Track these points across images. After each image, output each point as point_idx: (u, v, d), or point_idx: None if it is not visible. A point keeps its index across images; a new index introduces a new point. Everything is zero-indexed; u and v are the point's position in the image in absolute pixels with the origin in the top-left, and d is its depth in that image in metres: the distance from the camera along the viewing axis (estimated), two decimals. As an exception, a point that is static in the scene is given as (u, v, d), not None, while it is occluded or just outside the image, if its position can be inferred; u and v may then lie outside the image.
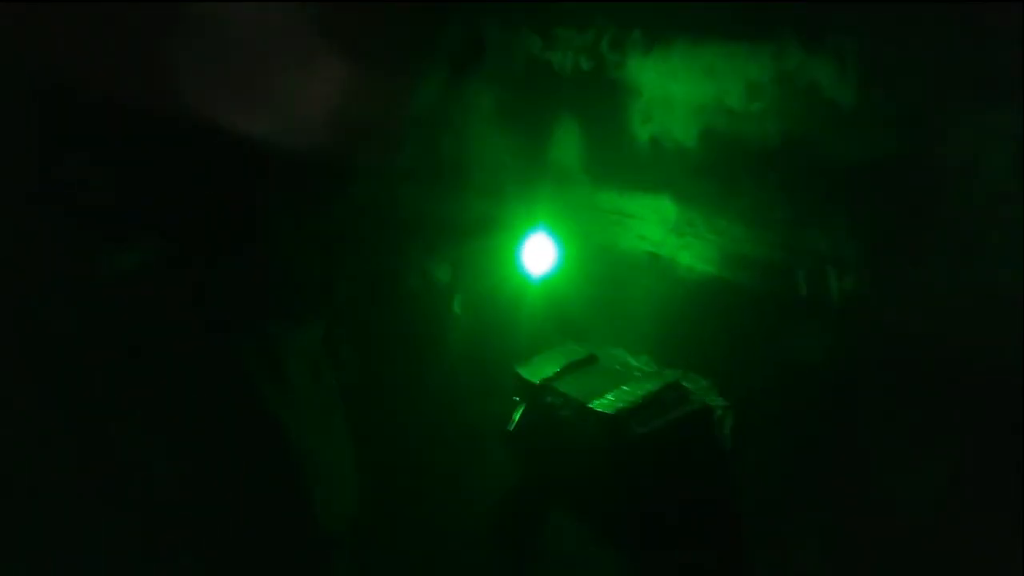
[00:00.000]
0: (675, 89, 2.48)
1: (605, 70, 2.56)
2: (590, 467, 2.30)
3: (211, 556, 2.35)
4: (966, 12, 2.14)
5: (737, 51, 2.37)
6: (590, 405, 2.24)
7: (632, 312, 2.58)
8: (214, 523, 2.37)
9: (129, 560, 2.30)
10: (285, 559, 2.39)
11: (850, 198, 2.32)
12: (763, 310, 2.43)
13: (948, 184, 2.23)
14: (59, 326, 2.39)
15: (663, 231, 2.58)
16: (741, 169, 2.43)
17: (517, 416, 2.38)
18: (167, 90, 2.46)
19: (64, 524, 2.31)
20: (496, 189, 2.47)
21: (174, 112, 2.44)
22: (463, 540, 2.52)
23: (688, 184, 2.53)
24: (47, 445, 2.35)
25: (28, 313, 2.38)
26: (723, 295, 2.48)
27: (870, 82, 2.24)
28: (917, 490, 2.25)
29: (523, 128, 2.65)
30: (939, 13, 2.16)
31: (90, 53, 2.45)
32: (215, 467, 2.38)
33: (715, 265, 2.50)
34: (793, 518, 2.33)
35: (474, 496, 2.53)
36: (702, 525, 2.29)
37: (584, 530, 2.38)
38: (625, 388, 2.28)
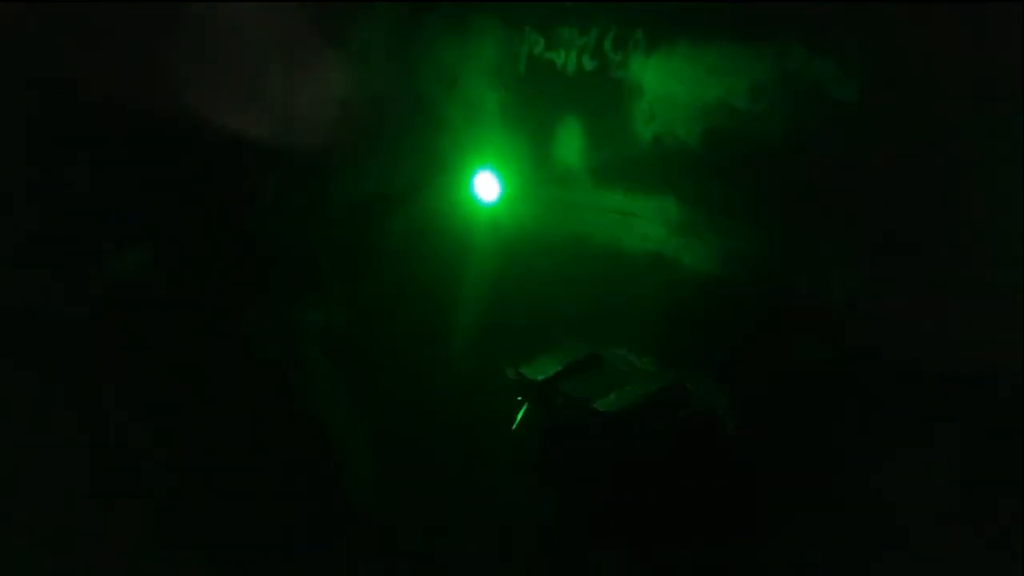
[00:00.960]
0: (678, 89, 2.47)
1: (608, 70, 2.55)
2: (593, 466, 2.31)
3: (237, 534, 2.36)
4: (966, 12, 2.15)
5: (740, 52, 2.36)
6: (593, 405, 2.25)
7: (635, 312, 2.58)
8: (240, 501, 2.37)
9: (148, 543, 2.30)
10: (309, 533, 2.39)
11: (853, 198, 2.32)
12: (765, 309, 2.43)
13: (950, 185, 2.23)
14: (64, 324, 2.39)
15: (666, 231, 2.58)
16: (744, 169, 2.43)
17: (520, 415, 2.39)
18: (167, 90, 2.47)
19: (77, 515, 2.31)
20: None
21: (172, 112, 2.44)
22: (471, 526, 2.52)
23: (691, 184, 2.52)
24: (54, 441, 2.35)
25: (34, 312, 2.38)
26: (726, 295, 2.48)
27: (873, 83, 2.24)
28: (917, 489, 2.25)
29: (526, 127, 2.64)
30: (940, 14, 2.16)
31: (91, 53, 2.46)
32: (238, 447, 2.39)
33: (718, 265, 2.49)
34: (793, 517, 2.33)
35: (480, 485, 2.53)
36: (704, 523, 2.29)
37: (588, 527, 2.39)
38: (628, 388, 2.29)
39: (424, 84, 2.58)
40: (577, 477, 2.36)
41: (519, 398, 2.42)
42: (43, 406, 2.43)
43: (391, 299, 2.66)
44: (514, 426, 2.40)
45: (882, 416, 2.30)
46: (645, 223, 2.60)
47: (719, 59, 2.40)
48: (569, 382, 2.36)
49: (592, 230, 2.66)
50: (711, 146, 2.47)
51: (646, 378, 2.35)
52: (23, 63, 2.44)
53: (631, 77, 2.53)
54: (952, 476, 2.22)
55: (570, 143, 2.63)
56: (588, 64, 2.58)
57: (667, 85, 2.48)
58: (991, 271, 2.21)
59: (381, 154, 2.65)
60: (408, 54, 2.57)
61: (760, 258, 2.43)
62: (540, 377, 2.38)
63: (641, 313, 2.56)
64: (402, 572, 2.43)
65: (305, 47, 2.56)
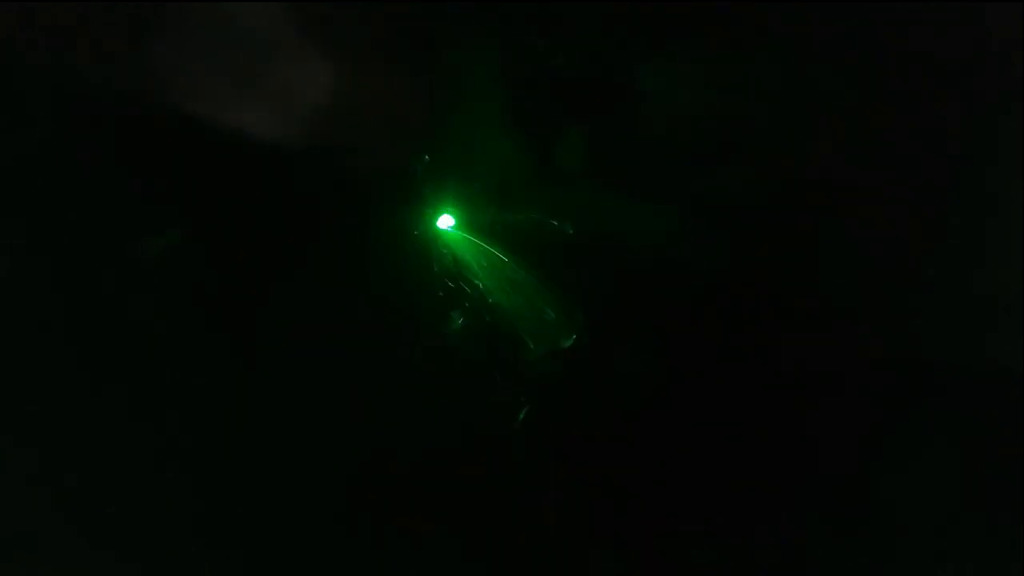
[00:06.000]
0: (679, 92, 2.48)
1: (609, 73, 2.56)
2: (595, 464, 2.33)
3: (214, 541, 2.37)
4: (966, 12, 2.16)
5: (742, 54, 2.37)
6: (596, 404, 2.28)
7: (639, 313, 2.58)
8: (216, 508, 2.39)
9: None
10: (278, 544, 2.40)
11: (854, 200, 2.33)
12: (769, 310, 2.44)
13: (951, 186, 2.24)
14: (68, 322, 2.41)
15: (667, 231, 2.58)
16: (745, 172, 2.44)
17: (523, 415, 2.41)
18: (169, 88, 2.48)
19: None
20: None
21: (175, 110, 2.45)
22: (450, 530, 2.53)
23: (692, 185, 2.53)
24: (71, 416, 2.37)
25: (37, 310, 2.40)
26: (729, 296, 2.48)
27: (874, 84, 2.25)
28: (917, 490, 2.26)
29: (527, 130, 2.65)
30: (940, 14, 2.17)
31: (96, 52, 2.47)
32: (214, 455, 2.41)
33: (720, 265, 2.50)
34: (793, 517, 2.34)
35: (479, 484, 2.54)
36: (704, 523, 2.31)
37: (590, 525, 2.40)
38: (632, 388, 2.32)
39: (423, 85, 2.59)
40: (578, 475, 2.38)
41: (521, 397, 2.43)
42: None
43: (383, 294, 2.67)
44: (516, 424, 2.42)
45: (883, 415, 2.31)
46: (646, 225, 2.61)
47: (721, 62, 2.41)
48: (572, 381, 2.38)
49: (593, 232, 2.67)
50: (713, 148, 2.48)
51: (649, 378, 2.37)
52: (36, 63, 2.45)
53: (632, 80, 2.54)
54: (952, 476, 2.23)
55: (570, 144, 2.64)
56: (589, 67, 2.58)
57: (668, 87, 2.49)
58: (992, 272, 2.23)
59: (376, 151, 2.66)
60: (407, 55, 2.58)
61: (763, 258, 2.44)
62: (544, 376, 2.40)
63: (645, 314, 2.56)
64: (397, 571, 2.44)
65: (305, 46, 2.57)
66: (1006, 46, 2.17)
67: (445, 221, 2.66)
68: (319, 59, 2.52)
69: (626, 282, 2.55)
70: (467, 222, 2.68)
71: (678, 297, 2.51)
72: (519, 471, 2.40)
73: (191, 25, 2.47)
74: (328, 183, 2.57)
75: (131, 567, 2.33)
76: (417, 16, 2.51)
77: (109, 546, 2.32)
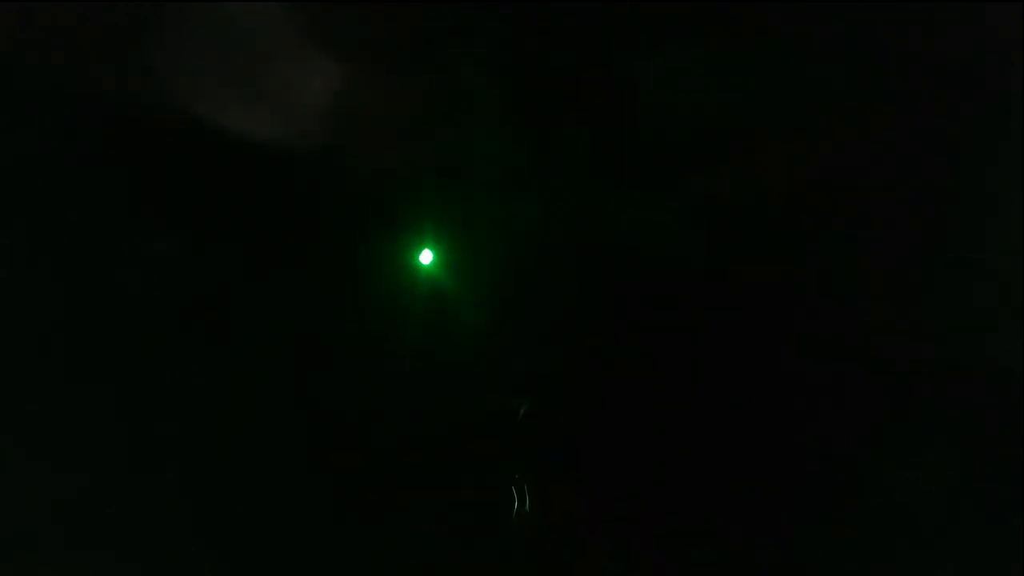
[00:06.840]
0: (679, 91, 2.48)
1: (609, 72, 2.56)
2: (591, 464, 2.33)
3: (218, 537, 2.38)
4: (966, 12, 2.15)
5: (741, 51, 2.37)
6: (591, 403, 2.28)
7: (639, 310, 2.58)
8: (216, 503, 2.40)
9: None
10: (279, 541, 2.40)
11: (852, 199, 2.33)
12: (766, 307, 2.44)
13: (951, 186, 2.24)
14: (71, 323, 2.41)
15: (666, 226, 2.58)
16: (745, 169, 2.44)
17: (522, 413, 2.41)
18: (169, 88, 2.48)
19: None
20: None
21: (174, 110, 2.45)
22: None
23: (691, 182, 2.53)
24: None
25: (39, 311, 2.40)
26: (729, 294, 2.48)
27: (874, 84, 2.25)
28: (917, 490, 2.26)
29: (525, 126, 2.65)
30: (940, 14, 2.17)
31: (96, 52, 2.47)
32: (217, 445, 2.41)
33: (719, 261, 2.50)
34: (794, 516, 2.34)
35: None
36: (703, 522, 2.31)
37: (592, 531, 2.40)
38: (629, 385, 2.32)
39: (422, 83, 2.59)
40: (578, 475, 2.38)
41: (519, 398, 2.43)
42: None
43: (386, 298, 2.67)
44: (517, 421, 2.42)
45: (883, 415, 2.31)
46: (647, 223, 2.61)
47: (720, 59, 2.40)
48: (569, 380, 2.38)
49: (594, 229, 2.67)
50: (713, 144, 2.47)
51: (649, 377, 2.37)
52: (38, 64, 2.45)
53: (631, 76, 2.54)
54: (952, 476, 2.23)
55: (570, 142, 2.64)
56: (587, 63, 2.58)
57: (667, 83, 2.49)
58: (992, 273, 2.23)
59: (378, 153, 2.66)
60: (407, 55, 2.58)
61: (763, 254, 2.44)
62: (540, 376, 2.40)
63: (645, 313, 2.56)
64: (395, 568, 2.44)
65: (305, 46, 2.57)
66: (1006, 46, 2.17)
67: (425, 256, 2.70)
68: (319, 59, 2.52)
69: (626, 281, 2.55)
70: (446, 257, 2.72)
71: (678, 297, 2.51)
72: (519, 472, 2.41)
73: (191, 25, 2.47)
74: (328, 183, 2.58)
75: (131, 567, 2.33)
76: (417, 16, 2.51)
77: (109, 546, 2.32)
